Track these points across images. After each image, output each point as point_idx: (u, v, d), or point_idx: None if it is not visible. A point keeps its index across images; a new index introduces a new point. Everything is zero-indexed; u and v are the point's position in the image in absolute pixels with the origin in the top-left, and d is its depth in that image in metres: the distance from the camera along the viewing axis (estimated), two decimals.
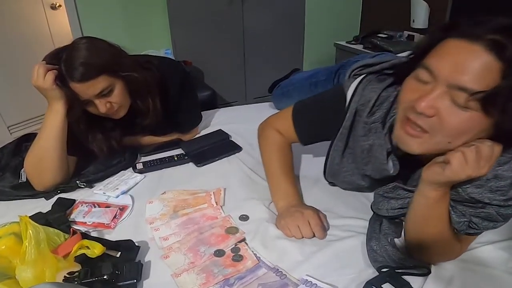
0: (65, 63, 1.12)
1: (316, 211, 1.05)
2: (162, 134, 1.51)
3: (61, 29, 3.04)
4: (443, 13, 2.44)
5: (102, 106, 1.18)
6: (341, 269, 0.91)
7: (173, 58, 2.62)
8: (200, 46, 2.85)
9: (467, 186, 0.81)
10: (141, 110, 1.32)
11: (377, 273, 0.89)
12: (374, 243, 0.96)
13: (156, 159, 1.36)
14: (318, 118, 1.11)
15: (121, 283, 0.83)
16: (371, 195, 1.15)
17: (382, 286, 0.84)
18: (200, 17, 2.75)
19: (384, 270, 0.88)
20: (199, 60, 2.87)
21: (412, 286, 0.84)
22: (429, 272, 0.88)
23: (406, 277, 0.86)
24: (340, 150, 1.05)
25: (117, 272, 0.86)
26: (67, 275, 0.85)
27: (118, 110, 1.24)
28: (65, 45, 1.17)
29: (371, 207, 1.04)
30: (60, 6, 3.06)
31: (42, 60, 1.13)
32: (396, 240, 0.98)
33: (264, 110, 1.87)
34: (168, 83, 1.37)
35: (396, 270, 0.87)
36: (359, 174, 1.06)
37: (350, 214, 1.10)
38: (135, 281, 0.84)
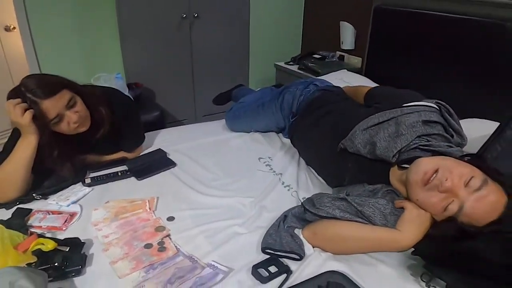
0: (28, 93, 1.37)
1: None
2: (110, 153, 1.81)
3: (15, 51, 3.21)
4: (365, 36, 2.88)
5: (73, 116, 1.45)
6: (240, 256, 1.24)
7: (125, 80, 2.91)
8: (151, 68, 3.15)
9: None
10: (96, 122, 1.59)
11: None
12: (272, 229, 1.32)
13: (103, 175, 1.66)
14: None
15: (69, 269, 1.14)
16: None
17: (269, 268, 1.17)
18: (150, 41, 3.06)
19: (268, 251, 1.23)
20: (150, 82, 3.17)
21: (291, 268, 1.18)
22: (302, 257, 1.22)
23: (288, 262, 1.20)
24: None
25: (66, 262, 1.15)
26: (26, 265, 1.15)
27: (83, 122, 1.52)
28: (16, 85, 1.42)
29: (303, 206, 1.34)
30: (14, 28, 3.20)
31: (7, 99, 1.39)
32: (297, 230, 1.33)
33: (198, 130, 2.21)
34: (112, 110, 1.66)
35: (276, 253, 1.22)
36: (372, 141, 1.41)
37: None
38: (79, 267, 1.15)
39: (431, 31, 2.38)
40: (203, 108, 3.50)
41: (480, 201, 1.12)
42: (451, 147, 1.37)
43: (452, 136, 1.44)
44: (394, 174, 1.36)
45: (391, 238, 1.21)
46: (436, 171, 1.17)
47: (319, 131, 1.67)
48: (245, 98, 2.25)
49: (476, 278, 1.12)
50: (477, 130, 1.67)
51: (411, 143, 1.34)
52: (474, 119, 2.03)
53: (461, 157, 1.27)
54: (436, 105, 1.45)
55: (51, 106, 1.41)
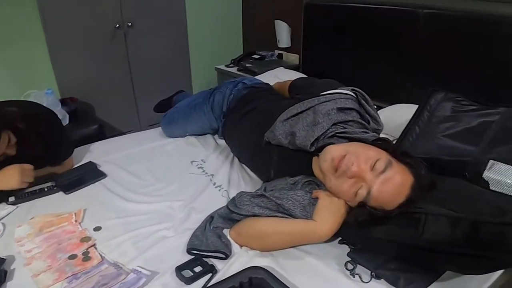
0: None
1: None
2: (38, 169, 1.82)
3: None
4: (299, 32, 3.00)
5: (9, 151, 1.55)
6: (166, 259, 1.28)
7: (57, 96, 2.89)
8: (87, 81, 3.13)
9: None
10: (23, 146, 1.61)
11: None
12: (198, 230, 1.36)
13: (28, 192, 1.66)
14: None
15: None
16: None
17: (194, 269, 1.21)
18: (83, 54, 3.05)
19: (193, 251, 1.28)
20: (87, 96, 3.16)
21: (217, 268, 1.22)
22: (228, 256, 1.27)
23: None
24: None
25: None
26: None
27: (13, 148, 1.58)
28: None
29: (227, 206, 1.40)
30: None
31: None
32: (225, 230, 1.38)
33: (133, 139, 2.25)
34: (34, 128, 1.66)
35: (201, 253, 1.26)
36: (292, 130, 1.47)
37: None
38: None
39: (358, 23, 2.54)
40: (147, 117, 3.51)
41: (385, 183, 1.19)
42: (367, 133, 1.47)
43: (368, 122, 1.54)
44: (316, 164, 1.43)
45: (308, 229, 1.27)
46: (344, 157, 1.25)
47: (246, 127, 1.74)
48: (180, 103, 2.30)
49: (394, 261, 1.20)
50: (405, 115, 1.79)
51: (328, 131, 1.43)
52: (402, 104, 2.17)
53: (373, 142, 1.36)
54: (352, 92, 1.54)
55: None
